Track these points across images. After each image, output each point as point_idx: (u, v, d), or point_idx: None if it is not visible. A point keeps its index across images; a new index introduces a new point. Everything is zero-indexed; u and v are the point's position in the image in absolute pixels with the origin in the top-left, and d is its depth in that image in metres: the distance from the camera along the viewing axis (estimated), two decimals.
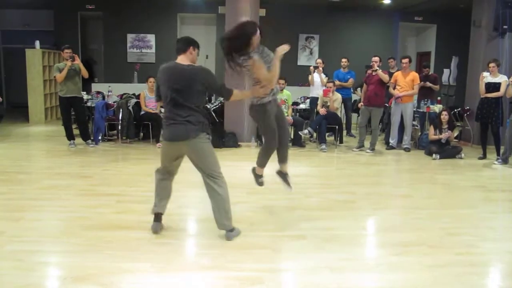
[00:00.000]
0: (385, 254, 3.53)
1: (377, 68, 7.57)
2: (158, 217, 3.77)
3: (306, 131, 7.94)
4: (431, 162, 7.20)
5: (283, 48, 3.61)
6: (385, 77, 7.55)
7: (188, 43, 3.63)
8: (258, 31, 3.64)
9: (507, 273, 3.29)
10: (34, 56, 10.30)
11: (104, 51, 12.34)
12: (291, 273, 3.17)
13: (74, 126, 7.86)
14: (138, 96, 8.26)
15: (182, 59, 3.60)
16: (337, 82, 8.79)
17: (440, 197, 5.22)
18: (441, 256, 3.47)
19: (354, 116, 9.59)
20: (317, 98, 8.42)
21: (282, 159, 4.17)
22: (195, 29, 13.03)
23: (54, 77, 7.55)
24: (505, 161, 6.99)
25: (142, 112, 7.99)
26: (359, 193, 5.26)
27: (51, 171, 6.05)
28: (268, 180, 6.00)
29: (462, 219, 4.42)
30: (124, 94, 8.90)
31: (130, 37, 12.14)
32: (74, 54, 7.36)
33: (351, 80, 9.15)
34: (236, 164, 6.56)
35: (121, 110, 7.97)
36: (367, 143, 7.90)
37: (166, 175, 3.72)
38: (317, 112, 8.15)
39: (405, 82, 7.76)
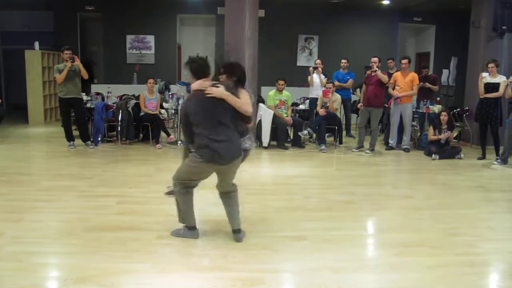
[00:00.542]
0: (385, 254, 3.53)
1: (377, 68, 7.58)
2: (195, 227, 3.74)
3: (305, 131, 7.95)
4: (431, 163, 7.21)
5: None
6: (384, 77, 7.56)
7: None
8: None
9: (507, 273, 3.29)
10: (34, 57, 10.29)
11: (103, 52, 12.35)
12: (292, 274, 3.18)
13: (73, 127, 7.86)
14: (137, 97, 8.25)
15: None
16: (336, 83, 8.79)
17: (440, 198, 5.23)
18: (441, 256, 3.48)
19: (353, 116, 9.60)
20: (316, 99, 8.42)
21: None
22: (194, 30, 13.07)
23: (54, 78, 7.54)
24: (504, 161, 6.99)
25: (142, 113, 7.99)
26: (359, 193, 5.26)
27: (51, 172, 6.05)
28: (268, 181, 6.02)
29: (462, 219, 4.43)
30: (124, 95, 8.90)
31: (129, 38, 12.15)
32: (74, 55, 7.36)
33: (350, 81, 9.16)
34: None
35: (120, 111, 7.96)
36: (366, 144, 7.90)
37: (191, 188, 3.66)
38: (317, 113, 8.16)
39: (405, 82, 7.77)
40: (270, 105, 8.02)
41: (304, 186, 5.58)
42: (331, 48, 12.00)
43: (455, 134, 8.33)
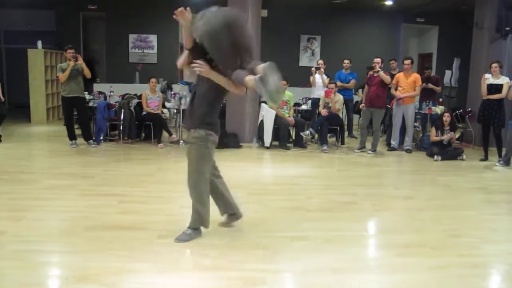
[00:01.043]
0: (387, 255, 3.53)
1: (379, 69, 7.57)
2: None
3: (307, 132, 7.95)
4: (433, 164, 7.20)
5: None
6: (386, 78, 7.55)
7: None
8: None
9: (508, 275, 3.29)
10: (36, 56, 10.31)
11: (106, 51, 12.35)
12: (293, 274, 3.17)
13: (76, 126, 7.88)
14: (140, 97, 8.26)
15: None
16: (338, 83, 8.79)
17: (442, 199, 5.22)
18: (443, 257, 3.47)
19: (355, 117, 9.59)
20: (318, 99, 8.42)
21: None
22: None
23: (57, 77, 7.56)
24: (506, 163, 6.98)
25: (144, 113, 8.00)
26: (361, 194, 5.26)
27: (53, 171, 6.06)
28: (269, 182, 6.02)
29: (464, 220, 4.42)
30: (126, 94, 8.91)
31: (132, 37, 12.15)
32: (77, 54, 7.37)
33: (352, 81, 9.16)
34: (237, 165, 6.57)
35: (122, 110, 7.98)
36: (368, 144, 7.90)
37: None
38: (319, 113, 8.15)
39: (407, 83, 7.76)
40: (272, 105, 8.02)
41: (305, 186, 5.58)
42: (333, 49, 11.99)
43: (457, 136, 8.31)
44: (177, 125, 8.87)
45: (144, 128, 8.36)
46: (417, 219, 4.43)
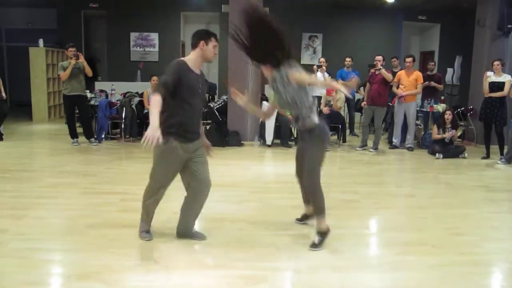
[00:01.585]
0: (388, 253, 3.52)
1: (381, 67, 7.56)
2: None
3: None
4: (434, 162, 7.19)
5: None
6: (388, 76, 7.54)
7: (198, 38, 3.35)
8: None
9: (510, 273, 3.28)
10: (38, 55, 10.32)
11: (107, 49, 12.36)
12: (295, 272, 3.17)
13: (77, 124, 7.88)
14: (141, 95, 8.27)
15: (190, 55, 3.39)
16: (340, 82, 8.77)
17: (443, 197, 5.21)
18: (444, 255, 3.47)
19: (357, 115, 9.59)
20: (320, 97, 8.41)
21: None
22: (198, 28, 13.01)
23: (59, 75, 7.57)
24: (508, 161, 6.97)
25: (146, 111, 8.00)
26: (362, 192, 5.26)
27: (54, 169, 6.07)
28: (271, 179, 6.02)
29: (465, 219, 4.42)
30: (128, 92, 8.92)
31: (133, 35, 12.15)
32: (78, 53, 7.38)
33: (354, 79, 9.13)
34: (239, 163, 6.57)
35: (124, 108, 7.99)
36: (370, 143, 7.89)
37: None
38: (320, 111, 8.14)
39: (409, 81, 7.75)
40: (273, 103, 8.00)
41: None
42: (335, 47, 11.98)
43: (459, 133, 8.30)
44: None
45: (145, 127, 8.32)
46: (418, 217, 4.43)
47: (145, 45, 12.20)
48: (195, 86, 3.30)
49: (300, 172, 3.80)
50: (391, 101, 8.19)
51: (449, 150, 7.41)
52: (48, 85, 10.57)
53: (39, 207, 4.34)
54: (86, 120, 7.75)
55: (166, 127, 3.17)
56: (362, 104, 8.14)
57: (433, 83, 8.50)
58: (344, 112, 8.75)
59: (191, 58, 3.36)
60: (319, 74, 8.85)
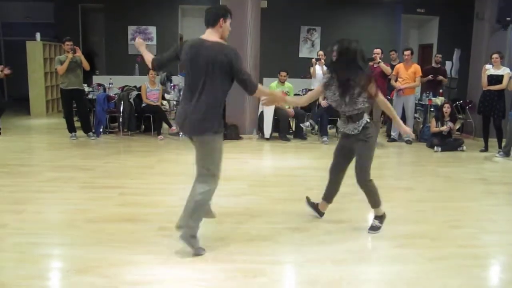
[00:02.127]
0: (387, 246, 3.53)
1: (379, 60, 7.55)
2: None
3: (307, 123, 7.93)
4: (433, 155, 7.19)
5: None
6: (387, 69, 7.52)
7: (217, 15, 3.07)
8: None
9: (508, 265, 3.30)
10: (35, 49, 10.27)
11: (105, 43, 12.31)
12: (293, 265, 3.18)
13: (75, 118, 7.86)
14: (139, 89, 8.24)
15: (209, 35, 3.11)
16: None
17: (442, 190, 5.22)
18: (443, 248, 3.48)
19: None
20: None
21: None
22: (196, 21, 12.97)
23: (56, 69, 7.53)
24: (506, 154, 6.97)
25: (143, 105, 7.99)
26: None
27: (52, 163, 6.06)
28: (270, 173, 6.02)
29: (464, 211, 4.43)
30: (125, 86, 8.89)
31: (131, 29, 12.10)
32: (75, 46, 7.34)
33: None
34: (238, 157, 6.56)
35: (122, 102, 7.96)
36: None
37: None
38: (319, 105, 8.14)
39: (407, 74, 7.74)
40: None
41: (306, 177, 5.58)
42: (333, 40, 11.91)
43: (457, 127, 8.30)
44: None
45: (143, 120, 8.35)
46: (417, 210, 4.43)
47: (143, 38, 12.08)
48: None
49: (337, 169, 4.00)
50: (389, 94, 8.18)
51: (448, 143, 7.41)
52: (46, 79, 10.52)
53: (37, 202, 4.34)
54: (84, 114, 7.72)
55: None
56: None
57: (440, 77, 8.51)
58: None
59: (213, 40, 3.07)
60: (317, 67, 8.84)
